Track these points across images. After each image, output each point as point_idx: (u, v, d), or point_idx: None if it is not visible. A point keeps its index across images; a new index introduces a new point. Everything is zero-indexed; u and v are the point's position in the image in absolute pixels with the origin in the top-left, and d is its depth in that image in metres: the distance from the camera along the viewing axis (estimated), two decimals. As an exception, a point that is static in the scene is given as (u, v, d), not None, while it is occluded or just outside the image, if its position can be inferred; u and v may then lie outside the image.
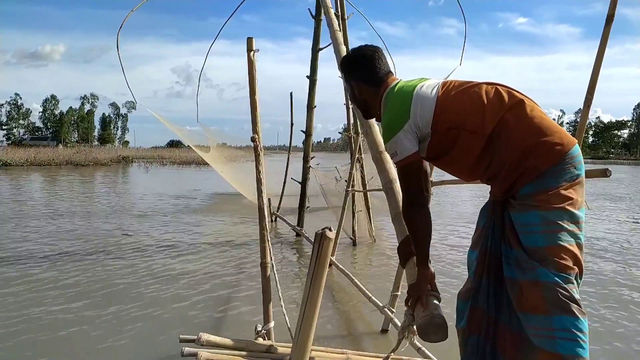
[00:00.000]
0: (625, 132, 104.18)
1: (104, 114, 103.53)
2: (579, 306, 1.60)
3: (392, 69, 2.13)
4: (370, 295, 4.10)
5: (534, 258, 1.65)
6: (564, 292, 1.59)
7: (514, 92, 1.81)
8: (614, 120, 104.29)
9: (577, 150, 1.69)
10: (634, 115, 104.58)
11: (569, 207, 1.63)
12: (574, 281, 1.63)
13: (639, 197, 17.26)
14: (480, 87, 1.83)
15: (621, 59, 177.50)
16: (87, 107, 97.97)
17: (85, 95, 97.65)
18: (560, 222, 1.62)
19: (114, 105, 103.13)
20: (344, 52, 3.89)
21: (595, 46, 2.58)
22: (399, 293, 3.76)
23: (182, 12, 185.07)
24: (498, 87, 1.83)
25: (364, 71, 2.09)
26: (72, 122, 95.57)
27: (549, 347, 1.59)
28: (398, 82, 2.02)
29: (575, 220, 1.65)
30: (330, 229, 1.42)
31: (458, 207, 12.49)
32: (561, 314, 1.59)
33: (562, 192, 1.64)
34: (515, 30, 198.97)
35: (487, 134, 1.72)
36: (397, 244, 2.17)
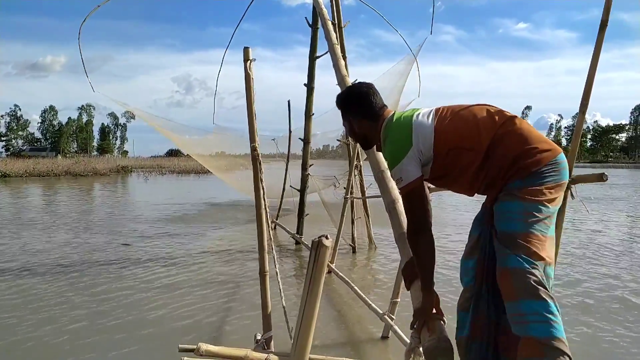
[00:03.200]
0: (623, 136, 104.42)
1: (102, 124, 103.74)
2: (547, 290, 1.71)
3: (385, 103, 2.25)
4: (370, 302, 4.10)
5: (506, 243, 1.79)
6: (532, 277, 1.70)
7: (503, 111, 1.98)
8: (612, 124, 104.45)
9: (562, 157, 1.88)
10: (631, 118, 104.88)
11: (547, 203, 1.80)
12: (540, 269, 1.74)
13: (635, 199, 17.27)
14: (471, 109, 1.99)
15: (620, 63, 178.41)
16: (85, 117, 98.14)
17: (82, 106, 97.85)
18: (537, 213, 1.78)
19: (112, 115, 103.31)
20: (342, 66, 3.92)
21: (590, 52, 2.60)
22: (399, 300, 3.76)
23: (182, 22, 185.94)
24: (487, 107, 1.99)
25: (361, 107, 2.19)
26: (71, 132, 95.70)
27: (523, 332, 1.69)
28: (393, 114, 2.14)
29: (549, 214, 1.81)
30: (327, 237, 1.42)
31: (449, 214, 12.50)
32: (530, 299, 1.69)
33: (545, 190, 1.80)
34: (514, 36, 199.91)
35: (484, 150, 1.88)
36: (401, 263, 2.24)
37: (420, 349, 1.91)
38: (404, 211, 2.35)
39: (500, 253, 1.81)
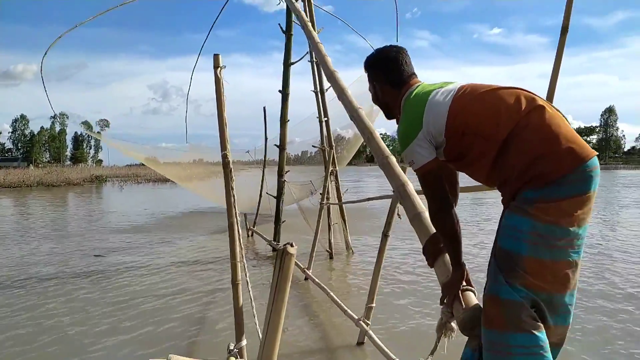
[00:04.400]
0: (594, 138, 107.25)
1: (76, 132, 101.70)
2: (539, 323, 1.58)
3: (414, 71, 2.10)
4: (346, 308, 4.10)
5: (502, 266, 1.62)
6: (525, 312, 1.56)
7: (536, 97, 1.73)
8: (583, 126, 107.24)
9: (593, 163, 1.58)
10: (601, 120, 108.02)
11: (564, 224, 1.55)
12: (540, 298, 1.59)
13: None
14: (498, 92, 1.77)
15: (589, 67, 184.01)
16: (58, 126, 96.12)
17: (55, 115, 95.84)
18: (550, 236, 1.55)
19: (86, 123, 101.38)
20: (329, 62, 3.88)
21: (565, 54, 2.67)
22: (374, 305, 3.77)
23: (156, 28, 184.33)
24: (520, 91, 1.76)
25: (386, 72, 2.06)
26: (44, 142, 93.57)
27: None
28: (418, 85, 2.00)
29: (569, 237, 1.56)
30: (292, 245, 1.42)
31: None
32: (516, 332, 1.57)
33: (563, 205, 1.55)
34: (488, 41, 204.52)
35: (501, 140, 1.67)
36: (422, 244, 2.07)
37: (452, 323, 1.83)
38: (414, 193, 2.27)
39: (492, 277, 1.65)
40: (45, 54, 6.98)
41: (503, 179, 1.71)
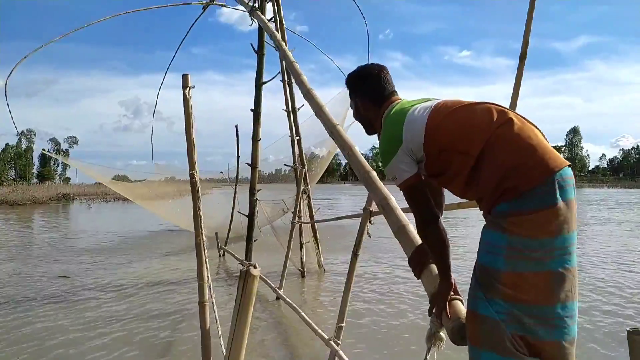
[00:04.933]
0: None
1: (43, 149, 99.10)
2: (520, 351, 1.52)
3: (395, 89, 2.15)
4: (317, 328, 4.07)
5: (482, 281, 1.60)
6: (505, 335, 1.53)
7: (507, 111, 1.74)
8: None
9: (565, 173, 1.58)
10: (567, 140, 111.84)
11: (538, 235, 1.53)
12: (524, 314, 1.54)
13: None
14: (470, 107, 1.79)
15: (555, 88, 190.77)
16: (25, 143, 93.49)
17: (23, 131, 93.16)
18: (525, 249, 1.53)
19: (54, 140, 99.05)
20: (305, 80, 3.89)
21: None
22: (344, 324, 3.75)
23: (129, 45, 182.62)
24: (492, 106, 1.77)
25: (368, 89, 2.11)
26: (9, 159, 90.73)
27: None
28: (398, 102, 2.03)
29: (545, 248, 1.54)
30: (255, 266, 1.41)
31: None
32: (491, 351, 1.55)
33: (535, 217, 1.54)
34: (458, 63, 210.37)
35: (475, 155, 1.67)
36: (408, 256, 2.05)
37: (441, 333, 1.83)
38: (397, 206, 2.28)
39: (473, 292, 1.63)
40: (10, 74, 6.82)
41: (479, 195, 1.71)
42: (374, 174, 2.55)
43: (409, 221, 2.15)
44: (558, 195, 1.55)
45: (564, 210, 1.56)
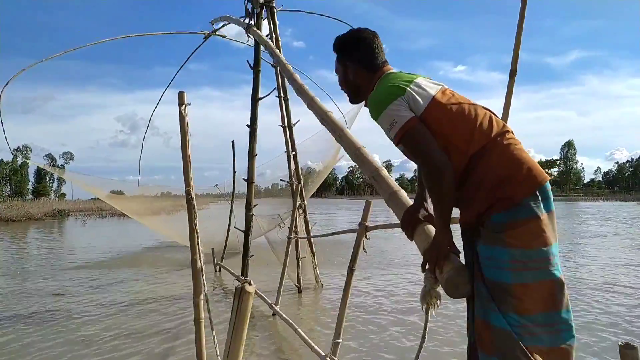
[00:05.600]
0: (555, 170, 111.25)
1: (38, 166, 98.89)
2: (526, 351, 1.57)
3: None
4: (313, 344, 4.05)
5: (496, 295, 1.63)
6: (513, 338, 1.58)
7: (505, 124, 1.81)
8: (544, 159, 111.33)
9: (549, 185, 1.70)
10: (561, 154, 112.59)
11: (536, 245, 1.61)
12: (531, 323, 1.60)
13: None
14: (477, 108, 1.81)
15: (549, 103, 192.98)
16: (21, 159, 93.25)
17: (19, 147, 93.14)
18: (528, 261, 1.60)
19: (49, 156, 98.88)
20: (307, 89, 3.93)
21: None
22: (341, 340, 3.73)
23: (126, 61, 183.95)
24: (492, 114, 1.82)
25: (363, 54, 2.00)
26: (4, 175, 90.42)
27: None
28: (395, 72, 1.97)
29: (544, 257, 1.62)
30: (250, 283, 1.42)
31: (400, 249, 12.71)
32: (501, 359, 1.60)
33: (534, 227, 1.62)
34: (453, 78, 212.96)
35: (470, 154, 1.71)
36: (400, 218, 1.98)
37: (438, 289, 1.73)
38: (388, 176, 2.24)
39: (486, 304, 1.65)
40: (6, 84, 6.86)
41: (466, 196, 1.73)
42: (365, 149, 2.57)
43: (399, 187, 2.14)
44: (549, 205, 1.67)
45: (551, 220, 1.67)
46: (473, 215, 1.72)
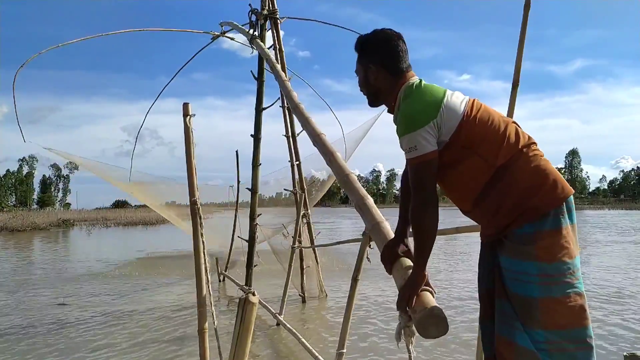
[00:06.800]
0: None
1: (44, 175, 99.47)
2: None
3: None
4: (317, 354, 4.03)
5: (519, 311, 1.61)
6: (538, 358, 1.56)
7: (527, 134, 1.80)
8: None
9: (572, 198, 1.70)
10: (566, 162, 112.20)
11: (565, 258, 1.59)
12: (557, 340, 1.57)
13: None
14: (505, 121, 1.79)
15: (552, 111, 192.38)
16: (26, 169, 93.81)
17: (24, 158, 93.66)
18: (556, 274, 1.58)
19: (55, 166, 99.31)
20: (303, 109, 3.94)
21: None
22: (345, 351, 3.72)
23: (131, 71, 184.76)
24: (516, 125, 1.81)
25: (386, 56, 1.90)
26: (10, 185, 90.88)
27: None
28: (421, 80, 1.88)
29: (571, 270, 1.60)
30: (253, 293, 1.42)
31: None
32: None
33: (559, 239, 1.60)
34: (458, 87, 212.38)
35: (497, 165, 1.70)
36: (380, 252, 1.96)
37: (413, 327, 1.68)
38: (374, 206, 2.20)
39: (510, 322, 1.63)
40: (21, 66, 6.88)
41: (493, 208, 1.71)
42: (353, 176, 2.57)
43: (384, 219, 2.13)
44: (569, 219, 1.65)
45: (574, 232, 1.66)
46: (499, 226, 1.70)
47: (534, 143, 1.77)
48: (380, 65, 1.90)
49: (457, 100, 1.78)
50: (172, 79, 9.31)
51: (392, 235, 2.00)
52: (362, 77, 1.98)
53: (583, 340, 1.58)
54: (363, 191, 2.42)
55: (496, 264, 1.72)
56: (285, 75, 7.22)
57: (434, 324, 1.55)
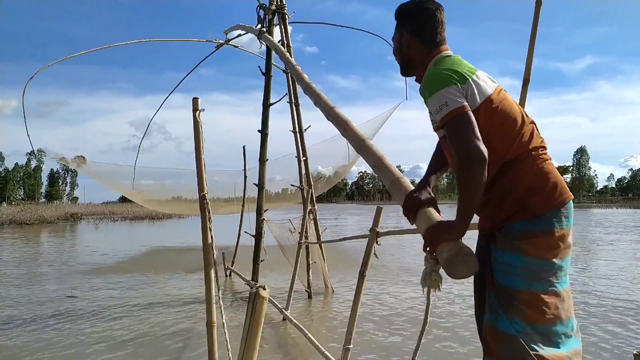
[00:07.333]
0: (568, 177, 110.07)
1: (52, 169, 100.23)
2: (534, 358, 1.59)
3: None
4: (324, 350, 4.05)
5: (501, 300, 1.66)
6: (520, 344, 1.59)
7: (542, 137, 1.81)
8: (557, 165, 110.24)
9: (572, 204, 1.73)
10: (574, 160, 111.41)
11: (551, 258, 1.64)
12: (536, 332, 1.62)
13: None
14: (524, 117, 1.79)
15: (560, 109, 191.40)
16: (35, 163, 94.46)
17: (32, 151, 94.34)
18: (539, 271, 1.63)
19: (63, 160, 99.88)
20: (314, 88, 3.95)
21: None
22: (351, 347, 3.73)
23: (137, 66, 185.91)
24: (534, 126, 1.81)
25: (421, 26, 1.90)
26: (18, 179, 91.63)
27: None
28: (454, 55, 1.87)
29: (555, 270, 1.65)
30: (264, 288, 1.44)
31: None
32: None
33: (550, 240, 1.64)
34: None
35: (504, 160, 1.71)
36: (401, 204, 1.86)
37: (439, 271, 1.65)
38: (391, 164, 2.14)
39: (493, 309, 1.68)
40: (37, 72, 7.03)
41: (492, 201, 1.73)
42: (369, 141, 2.56)
43: (402, 175, 2.08)
44: (569, 221, 1.70)
45: (570, 236, 1.71)
46: (495, 220, 1.74)
47: (545, 147, 1.78)
48: (413, 34, 1.91)
49: (488, 81, 1.79)
50: (175, 88, 9.45)
51: (410, 188, 1.94)
52: (396, 44, 2.01)
53: (553, 335, 1.65)
54: (380, 152, 2.40)
55: (489, 258, 1.76)
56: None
57: (462, 262, 1.49)
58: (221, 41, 8.59)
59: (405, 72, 2.03)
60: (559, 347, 1.66)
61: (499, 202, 1.72)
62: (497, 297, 1.68)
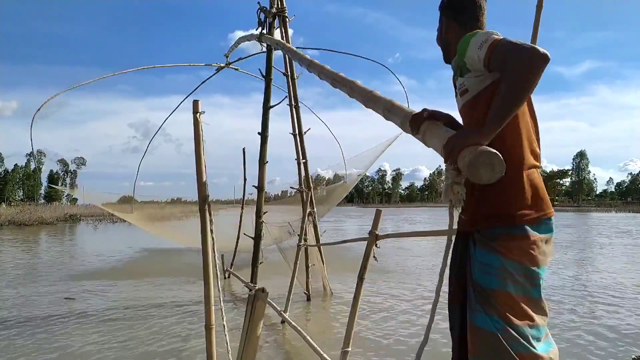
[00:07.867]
0: (567, 181, 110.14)
1: (51, 170, 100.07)
2: (515, 356, 1.60)
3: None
4: (322, 352, 4.04)
5: (479, 298, 1.68)
6: (498, 341, 1.61)
7: (539, 152, 1.83)
8: (556, 169, 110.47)
9: (553, 220, 1.77)
10: (573, 164, 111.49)
11: (526, 262, 1.66)
12: (514, 331, 1.63)
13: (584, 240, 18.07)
14: (533, 126, 1.83)
15: (559, 113, 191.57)
16: (34, 164, 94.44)
17: (32, 152, 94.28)
18: (514, 273, 1.65)
19: (62, 161, 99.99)
20: (318, 63, 3.95)
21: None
22: (350, 349, 3.73)
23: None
24: (537, 138, 1.84)
25: (460, 10, 1.94)
26: (18, 180, 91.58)
27: None
28: None
29: (530, 275, 1.68)
30: (263, 290, 1.44)
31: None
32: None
33: (526, 245, 1.67)
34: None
35: (521, 170, 1.73)
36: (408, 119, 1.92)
37: (461, 182, 1.59)
38: (401, 106, 2.14)
39: (472, 307, 1.71)
40: (38, 110, 7.21)
41: (481, 201, 1.73)
42: (376, 92, 2.56)
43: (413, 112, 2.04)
44: (543, 231, 1.72)
45: (547, 245, 1.74)
46: (475, 222, 1.76)
47: (539, 161, 1.81)
48: (453, 19, 1.96)
49: None
50: (181, 102, 9.55)
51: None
52: (438, 29, 2.05)
53: (526, 337, 1.65)
54: (388, 98, 2.42)
55: (468, 255, 1.78)
56: (295, 75, 7.28)
57: (486, 163, 1.38)
58: (222, 65, 8.78)
59: (446, 58, 2.06)
60: (535, 349, 1.67)
61: (482, 205, 1.74)
62: (475, 293, 1.71)
